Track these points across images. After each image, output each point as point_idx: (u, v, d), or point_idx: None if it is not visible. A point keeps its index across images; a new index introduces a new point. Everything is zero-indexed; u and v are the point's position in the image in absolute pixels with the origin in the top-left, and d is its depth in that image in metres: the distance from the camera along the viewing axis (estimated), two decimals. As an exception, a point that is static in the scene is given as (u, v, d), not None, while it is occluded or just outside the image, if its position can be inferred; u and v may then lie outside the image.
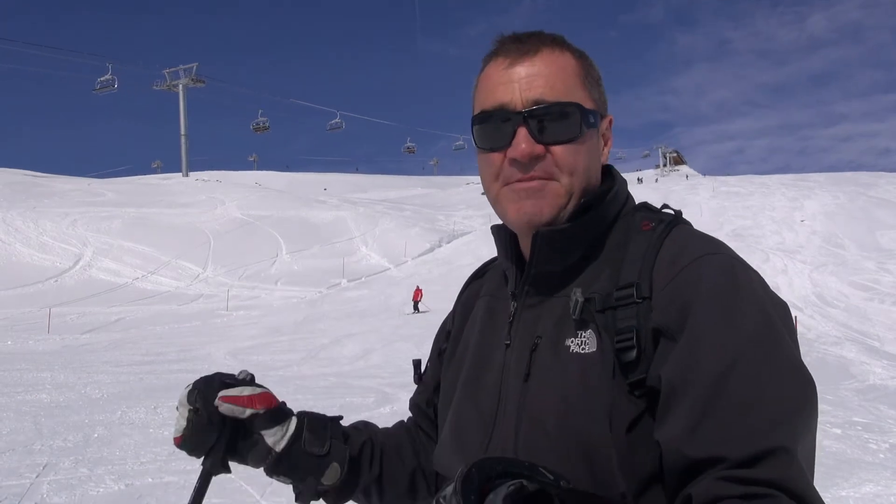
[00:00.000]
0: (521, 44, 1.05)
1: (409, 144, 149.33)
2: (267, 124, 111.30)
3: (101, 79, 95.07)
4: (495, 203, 1.09)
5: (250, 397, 1.09)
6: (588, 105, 1.05)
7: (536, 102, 1.01)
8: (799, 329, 11.44)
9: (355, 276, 39.07)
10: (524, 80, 1.02)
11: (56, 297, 31.18)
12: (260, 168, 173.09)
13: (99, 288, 34.64)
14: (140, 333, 22.70)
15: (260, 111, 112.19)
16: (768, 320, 0.90)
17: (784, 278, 28.19)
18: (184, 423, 1.09)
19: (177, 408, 1.12)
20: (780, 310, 0.93)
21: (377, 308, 29.24)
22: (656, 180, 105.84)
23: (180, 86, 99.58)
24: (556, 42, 1.06)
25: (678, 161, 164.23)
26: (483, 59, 1.10)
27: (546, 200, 1.02)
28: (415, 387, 1.37)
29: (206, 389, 1.09)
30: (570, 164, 1.02)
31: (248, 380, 1.14)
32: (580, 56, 1.08)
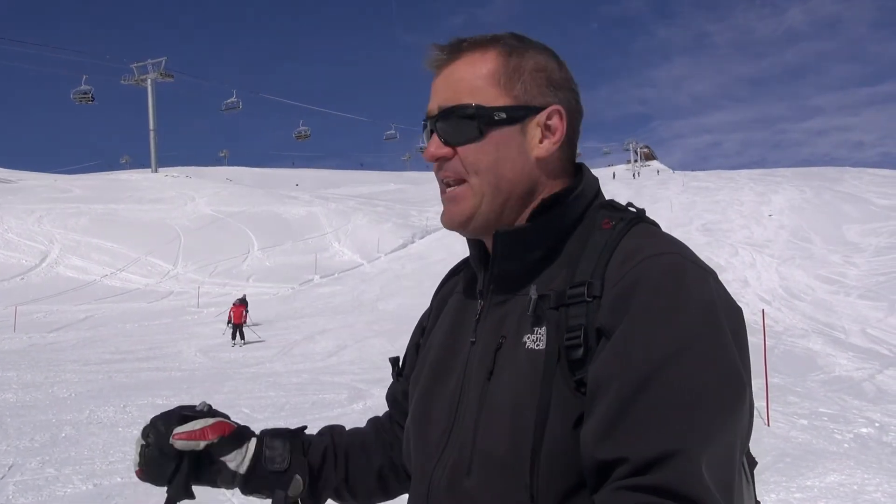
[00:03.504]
0: (441, 52, 1.10)
1: (389, 132, 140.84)
2: (308, 132, 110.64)
3: (77, 89, 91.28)
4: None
5: (202, 430, 1.16)
6: (500, 102, 1.05)
7: (440, 108, 1.08)
8: (767, 322, 11.63)
9: (328, 272, 38.82)
10: (436, 90, 1.10)
11: (22, 295, 30.58)
12: (230, 164, 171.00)
13: (66, 286, 34.00)
14: (109, 331, 22.34)
15: (301, 120, 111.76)
16: (711, 319, 0.89)
17: (752, 272, 28.55)
18: (137, 458, 1.18)
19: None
20: (732, 316, 0.92)
21: (350, 304, 29.15)
22: (635, 176, 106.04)
23: (149, 80, 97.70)
24: (480, 44, 1.08)
25: (649, 156, 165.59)
26: None
27: (459, 206, 1.09)
28: (390, 381, 1.39)
29: (162, 425, 1.17)
30: (472, 163, 1.07)
31: (206, 411, 1.20)
32: (509, 52, 1.07)
